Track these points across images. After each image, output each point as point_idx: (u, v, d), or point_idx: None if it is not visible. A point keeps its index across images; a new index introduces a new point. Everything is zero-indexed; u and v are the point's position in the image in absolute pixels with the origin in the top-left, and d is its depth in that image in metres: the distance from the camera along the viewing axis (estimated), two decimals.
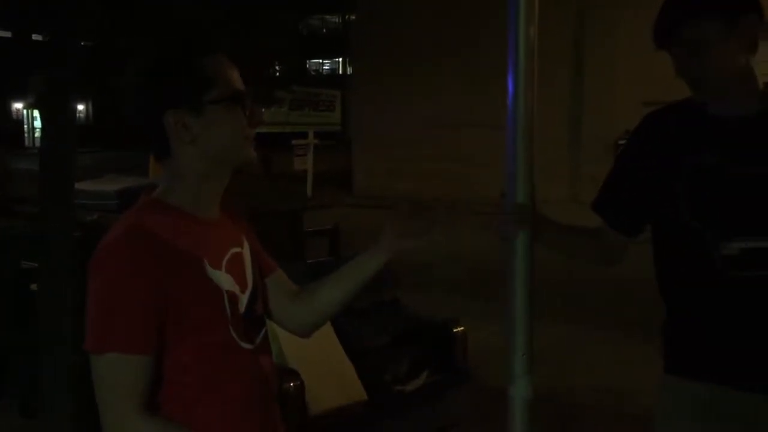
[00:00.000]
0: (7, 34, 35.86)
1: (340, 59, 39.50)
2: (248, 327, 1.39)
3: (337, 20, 39.99)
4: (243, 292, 1.39)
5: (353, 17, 22.52)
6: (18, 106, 38.28)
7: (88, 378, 1.28)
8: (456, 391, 3.54)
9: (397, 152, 17.13)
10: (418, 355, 3.47)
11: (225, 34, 19.44)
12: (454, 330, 3.57)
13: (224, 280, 1.35)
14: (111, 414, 1.27)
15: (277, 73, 18.51)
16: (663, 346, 1.79)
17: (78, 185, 3.93)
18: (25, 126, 37.06)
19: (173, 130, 1.32)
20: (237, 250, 1.42)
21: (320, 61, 41.88)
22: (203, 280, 1.32)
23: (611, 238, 1.82)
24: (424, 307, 4.09)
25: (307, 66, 39.14)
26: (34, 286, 2.97)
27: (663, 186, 1.70)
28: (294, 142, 16.28)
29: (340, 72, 39.29)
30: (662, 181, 1.71)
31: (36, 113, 30.89)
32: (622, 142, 14.96)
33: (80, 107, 39.06)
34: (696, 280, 1.70)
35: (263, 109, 14.79)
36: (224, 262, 1.37)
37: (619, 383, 4.89)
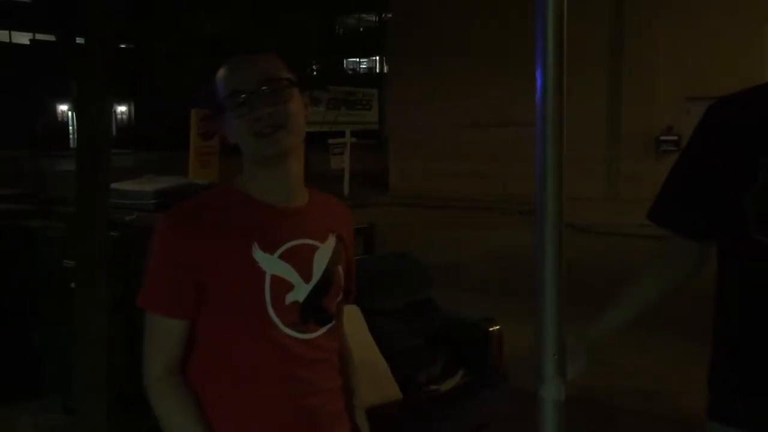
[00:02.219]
0: (51, 38, 36.74)
1: (377, 58, 39.55)
2: (305, 317, 1.45)
3: (373, 19, 40.03)
4: (306, 281, 1.46)
5: (389, 16, 22.51)
6: (63, 108, 39.19)
7: (124, 377, 1.33)
8: (491, 391, 3.50)
9: (433, 151, 17.10)
10: (453, 355, 3.45)
11: (256, 35, 19.61)
12: (490, 329, 3.54)
13: (273, 264, 1.42)
14: (145, 364, 1.44)
15: (314, 73, 18.58)
16: (708, 388, 1.56)
17: (117, 185, 4.00)
18: (70, 128, 37.91)
19: (226, 132, 1.47)
20: (308, 242, 1.48)
21: (357, 60, 41.99)
22: (246, 259, 1.40)
23: (682, 249, 1.58)
24: (458, 307, 4.06)
25: (344, 65, 39.26)
26: (73, 285, 3.02)
27: (732, 191, 1.43)
28: (331, 141, 16.34)
29: (377, 71, 39.34)
30: (732, 185, 1.43)
31: None
32: (663, 138, 14.75)
33: (122, 109, 39.83)
34: (755, 309, 1.44)
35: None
36: (282, 249, 1.43)
37: (657, 385, 4.81)
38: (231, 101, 1.42)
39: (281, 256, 1.43)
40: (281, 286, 1.43)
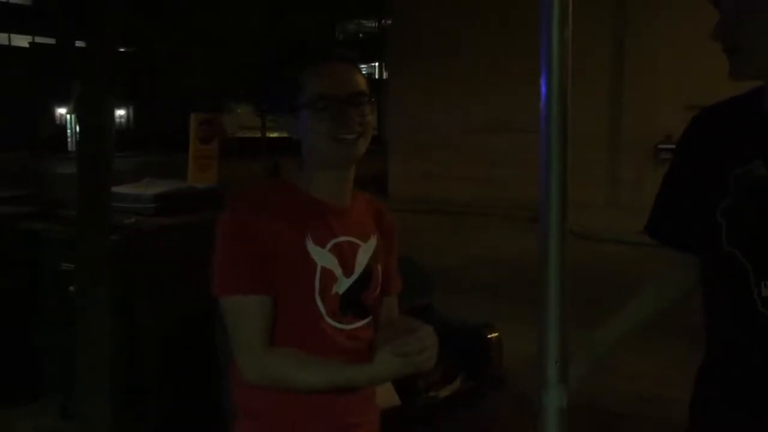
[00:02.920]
0: (51, 41, 36.76)
1: (376, 64, 39.62)
2: (344, 308, 1.56)
3: (373, 25, 40.11)
4: (347, 276, 1.57)
5: (389, 22, 22.58)
6: (61, 111, 39.19)
7: (124, 379, 1.32)
8: (490, 398, 3.50)
9: (433, 156, 17.11)
10: (452, 361, 3.44)
11: (258, 38, 19.60)
12: (489, 336, 3.54)
13: (324, 257, 1.53)
14: (240, 350, 1.48)
15: None
16: (692, 394, 1.58)
17: (116, 189, 3.99)
18: (68, 131, 37.92)
19: (287, 130, 1.57)
20: (353, 240, 1.59)
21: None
22: (300, 250, 1.51)
23: (681, 263, 1.54)
24: (458, 312, 4.06)
25: None
26: (72, 288, 3.02)
27: (707, 203, 1.40)
28: None
29: (377, 76, 39.41)
30: (707, 197, 1.40)
31: None
32: (663, 146, 14.76)
33: (121, 112, 39.84)
34: (732, 323, 1.40)
35: None
36: (331, 244, 1.55)
37: (660, 391, 4.80)
38: (315, 104, 1.50)
39: (330, 250, 1.54)
40: (329, 277, 1.53)
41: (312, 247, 1.52)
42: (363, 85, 1.57)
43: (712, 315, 1.48)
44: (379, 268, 1.65)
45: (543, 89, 1.11)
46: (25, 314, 3.97)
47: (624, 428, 4.29)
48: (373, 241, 1.65)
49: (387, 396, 3.12)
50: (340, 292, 1.55)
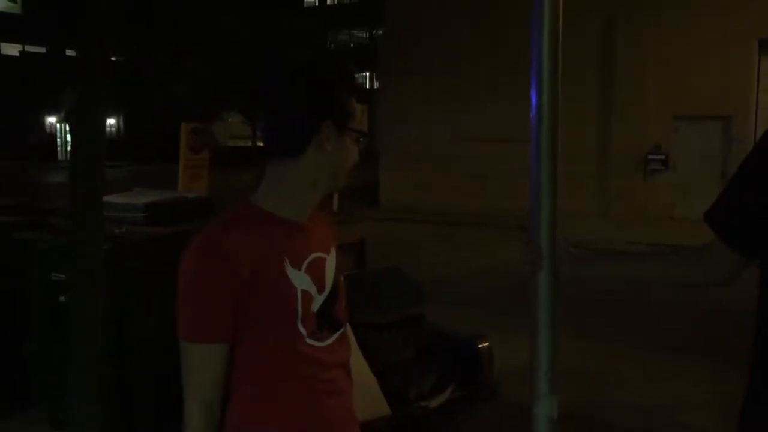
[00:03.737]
0: (42, 50, 36.66)
1: (367, 74, 39.72)
2: (321, 326, 1.53)
3: (364, 35, 40.22)
4: (320, 293, 1.54)
5: (380, 32, 22.64)
6: (52, 120, 39.05)
7: (117, 389, 1.32)
8: (481, 408, 3.50)
9: (424, 166, 17.14)
10: (443, 371, 3.44)
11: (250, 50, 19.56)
12: (480, 345, 3.54)
13: (301, 279, 1.50)
14: (190, 394, 1.43)
15: None
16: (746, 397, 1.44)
17: (106, 198, 3.98)
18: (59, 140, 37.78)
19: (322, 136, 1.49)
20: (320, 255, 1.57)
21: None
22: (281, 277, 1.46)
23: (722, 255, 1.49)
24: (450, 323, 4.06)
25: None
26: (62, 298, 3.00)
27: None
28: None
29: (367, 86, 39.49)
30: None
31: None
32: (652, 156, 14.86)
33: (111, 121, 39.74)
34: None
35: None
36: (305, 264, 1.52)
37: (649, 400, 4.82)
38: (359, 135, 1.57)
39: (306, 270, 1.52)
40: (307, 299, 1.51)
41: (291, 271, 1.49)
42: None
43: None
44: (342, 278, 1.64)
45: (533, 100, 1.13)
46: (15, 324, 3.95)
47: None
48: (333, 253, 1.64)
49: (377, 405, 3.12)
50: (315, 310, 1.53)
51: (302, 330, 1.49)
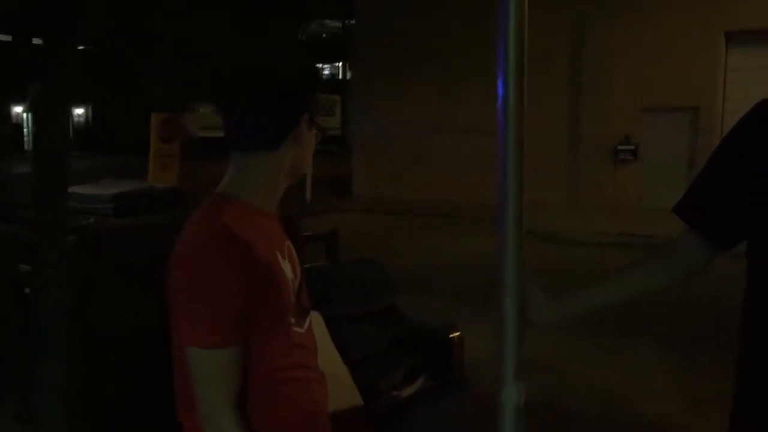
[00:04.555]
0: (7, 38, 35.91)
1: (340, 64, 39.57)
2: (299, 311, 1.56)
3: (337, 25, 40.04)
4: (295, 279, 1.57)
5: (353, 22, 22.55)
6: (18, 110, 38.32)
7: (82, 384, 1.30)
8: (452, 398, 3.52)
9: (396, 157, 17.15)
10: (415, 361, 3.46)
11: (219, 38, 19.37)
12: (451, 335, 3.56)
13: (287, 269, 1.52)
14: (213, 402, 1.36)
15: None
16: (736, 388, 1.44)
17: (74, 189, 3.92)
18: (25, 130, 37.08)
19: (299, 130, 1.52)
20: (288, 242, 1.60)
21: (320, 65, 41.93)
22: (279, 270, 1.47)
23: (694, 248, 1.48)
24: (422, 314, 4.07)
25: None
26: (28, 290, 2.95)
27: (761, 194, 1.34)
28: None
29: (340, 77, 39.34)
30: (763, 189, 1.34)
31: None
32: (621, 147, 15.03)
33: (80, 111, 39.11)
34: None
35: None
36: (286, 252, 1.55)
37: (619, 390, 4.89)
38: (314, 126, 1.56)
39: (288, 259, 1.55)
40: (292, 287, 1.53)
41: (282, 263, 1.50)
42: None
43: (755, 317, 1.39)
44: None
45: (500, 92, 1.13)
46: None
47: (580, 427, 4.35)
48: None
49: (349, 396, 3.12)
50: (292, 297, 1.54)
51: (291, 318, 1.52)
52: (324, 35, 41.08)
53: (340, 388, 3.12)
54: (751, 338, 1.41)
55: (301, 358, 1.54)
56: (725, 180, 1.43)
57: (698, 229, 1.47)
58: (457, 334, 3.59)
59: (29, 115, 35.81)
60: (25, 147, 34.70)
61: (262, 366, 1.46)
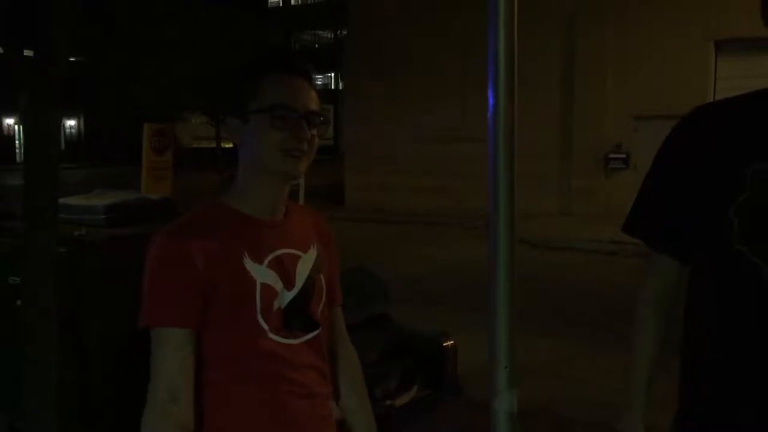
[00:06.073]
0: None
1: (332, 74, 39.64)
2: (290, 323, 1.52)
3: (329, 35, 40.14)
4: (288, 290, 1.53)
5: (345, 32, 22.61)
6: (9, 121, 38.20)
7: (74, 395, 1.29)
8: (446, 405, 3.52)
9: (388, 166, 17.18)
10: (409, 370, 3.46)
11: (213, 49, 19.39)
12: (444, 344, 3.56)
13: (263, 273, 1.49)
14: (153, 388, 1.40)
15: None
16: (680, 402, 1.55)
17: (66, 200, 3.92)
18: (17, 142, 36.97)
19: (231, 133, 1.54)
20: (292, 252, 1.56)
21: (312, 76, 41.86)
22: (239, 268, 1.47)
23: (669, 275, 1.50)
24: (415, 322, 4.07)
25: None
26: (19, 302, 2.94)
27: (716, 201, 1.37)
28: None
29: (332, 87, 39.40)
30: (716, 196, 1.37)
31: None
32: (613, 155, 15.09)
33: (71, 123, 39.03)
34: (739, 321, 1.38)
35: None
36: (269, 259, 1.51)
37: (607, 396, 4.88)
38: (273, 112, 1.46)
39: (268, 265, 1.51)
40: (270, 293, 1.49)
41: (250, 265, 1.48)
42: (318, 104, 1.55)
43: (711, 316, 1.44)
44: (323, 277, 1.62)
45: (490, 101, 1.14)
46: None
47: None
48: (313, 252, 1.61)
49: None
50: (283, 306, 1.51)
51: (263, 324, 1.48)
52: (316, 45, 41.18)
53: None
54: (690, 343, 1.51)
55: (272, 367, 1.49)
56: (676, 191, 1.44)
57: (665, 250, 1.50)
58: (451, 342, 3.60)
59: (21, 126, 35.70)
60: (17, 159, 34.57)
61: (215, 373, 1.47)
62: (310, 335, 1.56)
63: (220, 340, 1.46)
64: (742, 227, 1.34)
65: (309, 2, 41.42)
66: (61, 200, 3.16)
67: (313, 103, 1.53)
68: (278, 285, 1.51)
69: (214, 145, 26.03)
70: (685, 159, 1.45)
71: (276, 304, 1.50)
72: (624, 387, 1.62)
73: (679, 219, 1.45)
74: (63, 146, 33.13)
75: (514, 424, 1.18)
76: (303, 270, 1.57)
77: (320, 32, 40.84)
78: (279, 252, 1.53)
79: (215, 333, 1.46)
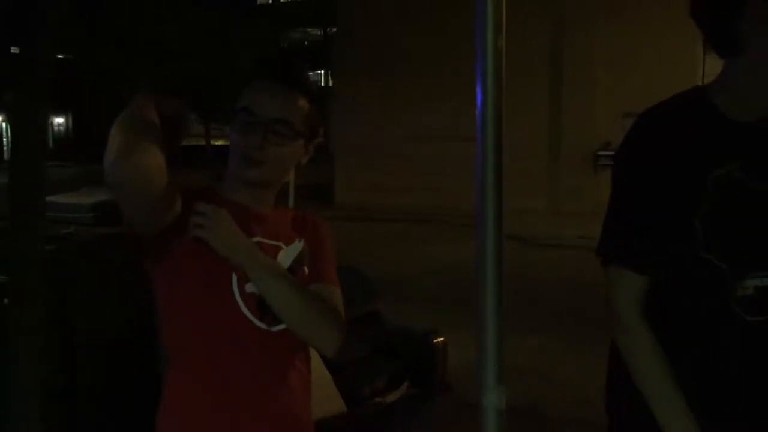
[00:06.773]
0: None
1: (322, 72, 39.58)
2: (262, 308, 1.51)
3: (318, 33, 40.05)
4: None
5: (334, 30, 22.58)
6: None
7: (59, 395, 1.28)
8: (436, 403, 3.52)
9: (378, 165, 17.16)
10: (398, 367, 3.46)
11: (204, 48, 19.31)
12: (434, 341, 3.56)
13: None
14: None
15: None
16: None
17: (53, 198, 3.89)
18: (4, 139, 36.68)
19: (238, 117, 1.54)
20: (271, 243, 1.57)
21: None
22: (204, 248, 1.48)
23: (641, 281, 1.41)
24: (404, 320, 4.07)
25: None
26: (6, 301, 2.92)
27: (680, 211, 1.35)
28: None
29: (322, 84, 39.34)
30: (678, 206, 1.35)
31: None
32: (601, 153, 15.14)
33: (60, 120, 38.77)
34: (705, 328, 1.38)
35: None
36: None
37: (597, 394, 4.91)
38: (239, 114, 1.50)
39: None
40: (242, 275, 1.50)
41: None
42: (293, 115, 1.51)
43: (677, 323, 1.41)
44: (305, 270, 1.61)
45: (478, 98, 1.14)
46: None
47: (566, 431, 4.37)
48: (298, 245, 1.62)
49: (333, 403, 3.12)
50: (257, 291, 1.50)
51: (239, 300, 1.50)
52: (306, 43, 41.08)
53: (323, 395, 3.11)
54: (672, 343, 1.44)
55: (246, 342, 1.50)
56: (640, 207, 1.38)
57: (645, 272, 1.40)
58: (440, 339, 3.60)
59: (8, 124, 35.44)
60: (4, 157, 34.32)
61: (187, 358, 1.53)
62: (283, 326, 1.54)
63: (191, 308, 1.51)
64: (707, 235, 1.33)
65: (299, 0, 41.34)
66: (49, 198, 3.14)
67: (284, 112, 1.50)
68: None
69: (203, 142, 25.95)
70: (650, 175, 1.38)
71: (248, 288, 1.51)
72: (660, 420, 1.40)
73: (653, 232, 1.38)
74: (51, 144, 32.94)
75: (503, 421, 1.19)
76: (283, 260, 1.58)
77: (309, 30, 40.73)
78: (260, 240, 1.55)
79: (188, 301, 1.51)
